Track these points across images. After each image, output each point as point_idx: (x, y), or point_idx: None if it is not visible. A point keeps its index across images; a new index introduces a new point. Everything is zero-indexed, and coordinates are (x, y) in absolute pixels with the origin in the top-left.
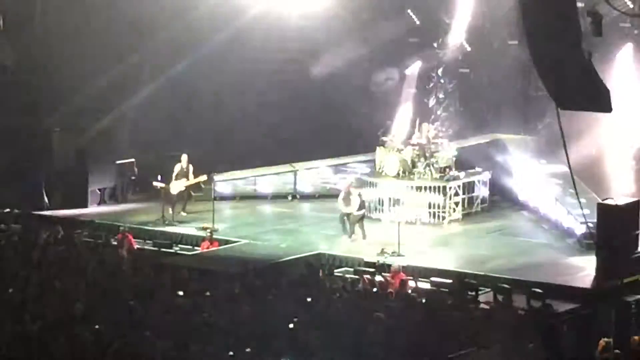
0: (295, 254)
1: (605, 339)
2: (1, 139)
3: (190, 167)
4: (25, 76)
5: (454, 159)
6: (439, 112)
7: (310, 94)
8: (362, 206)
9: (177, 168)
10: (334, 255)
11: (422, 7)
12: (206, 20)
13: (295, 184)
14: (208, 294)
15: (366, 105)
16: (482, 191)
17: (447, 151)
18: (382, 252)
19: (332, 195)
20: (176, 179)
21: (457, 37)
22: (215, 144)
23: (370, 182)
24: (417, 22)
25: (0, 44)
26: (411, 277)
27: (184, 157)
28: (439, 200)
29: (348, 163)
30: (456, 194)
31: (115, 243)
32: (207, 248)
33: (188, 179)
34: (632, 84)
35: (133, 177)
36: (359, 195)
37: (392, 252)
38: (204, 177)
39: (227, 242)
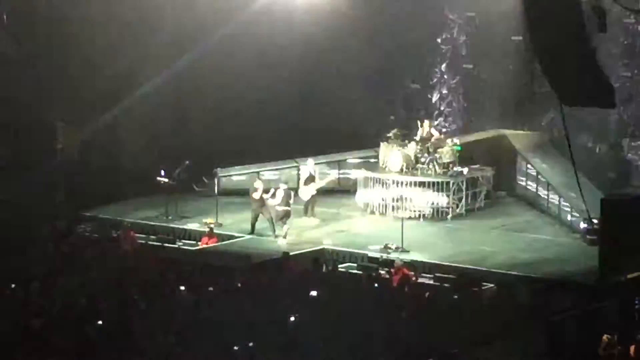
0: (299, 249)
1: (608, 335)
2: (5, 132)
3: (317, 170)
4: (30, 69)
5: (458, 154)
6: (442, 108)
7: (313, 89)
8: (288, 203)
9: (304, 173)
10: (338, 250)
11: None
12: (210, 14)
13: (298, 179)
14: (211, 288)
15: (369, 101)
16: (485, 187)
17: (451, 147)
18: (386, 247)
19: (334, 190)
20: (305, 184)
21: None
22: (219, 139)
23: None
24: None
25: (3, 37)
26: (413, 273)
27: (310, 161)
28: (442, 195)
29: (352, 159)
30: (459, 190)
31: (118, 238)
32: (206, 243)
33: (316, 182)
34: None
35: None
36: (285, 190)
37: (396, 248)
38: (332, 177)
39: (230, 237)
